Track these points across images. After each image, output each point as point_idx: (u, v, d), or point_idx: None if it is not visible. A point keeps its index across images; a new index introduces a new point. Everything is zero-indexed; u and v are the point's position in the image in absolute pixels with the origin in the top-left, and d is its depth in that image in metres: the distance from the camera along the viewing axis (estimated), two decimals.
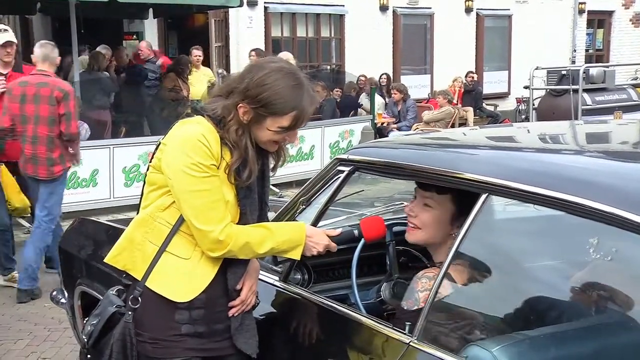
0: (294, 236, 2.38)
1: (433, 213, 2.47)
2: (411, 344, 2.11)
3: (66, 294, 3.80)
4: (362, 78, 13.35)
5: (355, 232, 2.51)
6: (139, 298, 2.32)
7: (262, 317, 2.65)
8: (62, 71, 10.63)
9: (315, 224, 2.66)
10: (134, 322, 2.33)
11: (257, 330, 2.50)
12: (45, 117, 5.58)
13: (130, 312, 2.34)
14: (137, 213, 2.44)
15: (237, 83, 2.30)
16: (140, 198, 2.43)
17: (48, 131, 5.59)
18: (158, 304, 2.31)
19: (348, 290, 2.78)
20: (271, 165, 2.47)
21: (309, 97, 2.30)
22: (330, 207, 2.72)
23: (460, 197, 2.39)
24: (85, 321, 2.59)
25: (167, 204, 2.32)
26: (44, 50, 5.78)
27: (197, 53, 11.05)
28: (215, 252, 2.29)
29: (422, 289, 2.33)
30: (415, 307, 2.29)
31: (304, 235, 2.39)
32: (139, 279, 2.34)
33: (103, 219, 4.84)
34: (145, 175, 2.42)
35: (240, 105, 2.26)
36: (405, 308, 2.35)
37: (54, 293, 3.94)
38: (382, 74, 14.13)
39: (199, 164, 2.22)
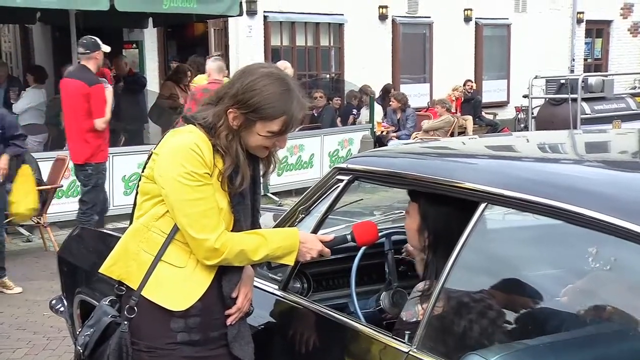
0: (287, 242, 2.39)
1: (408, 220, 2.53)
2: (410, 352, 2.11)
3: (65, 303, 3.79)
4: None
5: (349, 237, 2.51)
6: (135, 307, 2.32)
7: (261, 326, 2.65)
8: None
9: (314, 233, 2.66)
10: (129, 331, 2.33)
11: (257, 339, 2.50)
12: None
13: (126, 322, 2.34)
14: (130, 223, 2.44)
15: (226, 89, 2.33)
16: (133, 208, 2.44)
17: None
18: (154, 312, 2.31)
19: (347, 299, 2.78)
20: (262, 172, 2.48)
21: (298, 102, 2.31)
22: (329, 216, 2.72)
23: (425, 209, 2.44)
24: (79, 332, 2.59)
25: (161, 213, 2.32)
26: (219, 64, 7.17)
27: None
28: (210, 260, 2.29)
29: (422, 301, 2.32)
30: (414, 319, 2.29)
31: (297, 241, 2.39)
32: (135, 289, 2.34)
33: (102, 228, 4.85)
34: (138, 185, 2.42)
35: (230, 110, 2.28)
36: (404, 319, 2.35)
37: (53, 302, 3.94)
38: (388, 85, 14.15)
39: (192, 173, 2.23)
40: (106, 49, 6.71)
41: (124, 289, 2.40)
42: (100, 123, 6.49)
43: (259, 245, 2.34)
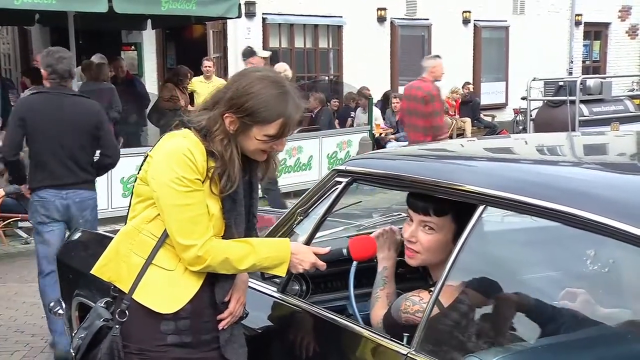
0: (277, 253, 2.36)
1: (435, 236, 2.41)
2: (409, 355, 2.11)
3: (64, 305, 3.79)
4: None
5: (345, 251, 2.49)
6: (127, 311, 2.32)
7: (260, 328, 2.65)
8: None
9: (313, 234, 2.66)
10: (121, 334, 2.32)
11: (256, 341, 2.50)
12: (419, 112, 7.67)
13: (117, 326, 2.33)
14: (125, 224, 2.44)
15: (222, 94, 2.31)
16: (128, 209, 2.43)
17: (414, 121, 7.79)
18: (144, 315, 2.30)
19: (346, 301, 2.78)
20: (260, 176, 2.46)
21: (294, 104, 2.29)
22: (328, 218, 2.72)
23: (460, 214, 2.35)
24: (73, 334, 2.58)
25: (153, 216, 2.32)
26: (425, 63, 7.95)
27: (207, 64, 11.01)
28: (194, 266, 2.28)
29: (404, 310, 2.33)
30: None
31: (288, 252, 2.36)
32: (126, 291, 2.33)
33: (100, 230, 4.84)
34: (133, 186, 2.43)
35: (226, 115, 2.27)
36: (393, 316, 2.36)
37: (52, 304, 3.94)
38: (390, 93, 14.16)
39: (183, 178, 2.22)
40: (264, 54, 8.11)
41: (117, 291, 2.39)
42: None
43: (246, 254, 2.31)
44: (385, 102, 13.66)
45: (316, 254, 2.42)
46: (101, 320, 2.42)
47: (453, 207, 2.36)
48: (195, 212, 2.25)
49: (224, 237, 2.34)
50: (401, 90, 14.57)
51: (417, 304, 2.31)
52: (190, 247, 2.25)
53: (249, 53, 7.83)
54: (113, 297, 2.44)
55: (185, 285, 2.32)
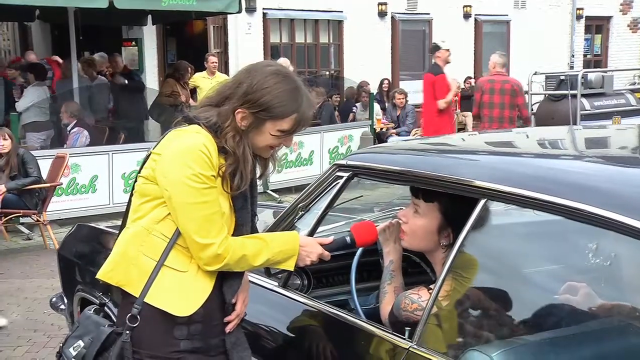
0: (288, 246, 2.34)
1: (421, 221, 2.48)
2: (411, 349, 2.11)
3: (66, 301, 3.80)
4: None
5: (348, 238, 2.49)
6: (138, 316, 2.24)
7: (262, 323, 2.65)
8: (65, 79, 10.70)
9: (314, 229, 2.66)
10: (131, 340, 2.24)
11: (258, 336, 2.50)
12: (507, 103, 8.37)
13: (128, 332, 2.24)
14: (122, 224, 2.36)
15: (232, 89, 2.26)
16: (127, 209, 2.35)
17: (509, 113, 8.42)
18: (157, 320, 2.23)
19: (348, 295, 2.78)
20: (258, 174, 2.41)
21: (307, 100, 2.28)
22: (329, 213, 2.72)
23: (447, 207, 2.40)
24: (63, 343, 2.48)
25: (163, 215, 2.24)
26: (503, 60, 8.74)
27: (213, 60, 10.99)
28: (212, 266, 2.23)
29: (404, 308, 2.35)
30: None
31: (297, 245, 2.34)
32: (136, 295, 2.24)
33: (102, 225, 4.84)
34: (133, 186, 2.34)
35: (239, 110, 2.22)
36: (395, 314, 2.38)
37: (54, 299, 3.95)
38: (384, 79, 14.14)
39: (200, 175, 2.16)
40: (446, 46, 8.77)
41: (108, 297, 2.34)
42: (441, 103, 8.55)
43: (260, 249, 2.28)
44: (380, 93, 13.63)
45: (320, 244, 2.41)
46: (106, 326, 2.35)
47: (441, 197, 2.41)
48: (212, 210, 2.19)
49: (234, 235, 2.29)
50: (402, 85, 14.63)
51: (416, 302, 2.33)
52: (208, 245, 2.19)
53: (435, 48, 8.85)
54: (101, 304, 2.37)
55: (199, 287, 2.26)
